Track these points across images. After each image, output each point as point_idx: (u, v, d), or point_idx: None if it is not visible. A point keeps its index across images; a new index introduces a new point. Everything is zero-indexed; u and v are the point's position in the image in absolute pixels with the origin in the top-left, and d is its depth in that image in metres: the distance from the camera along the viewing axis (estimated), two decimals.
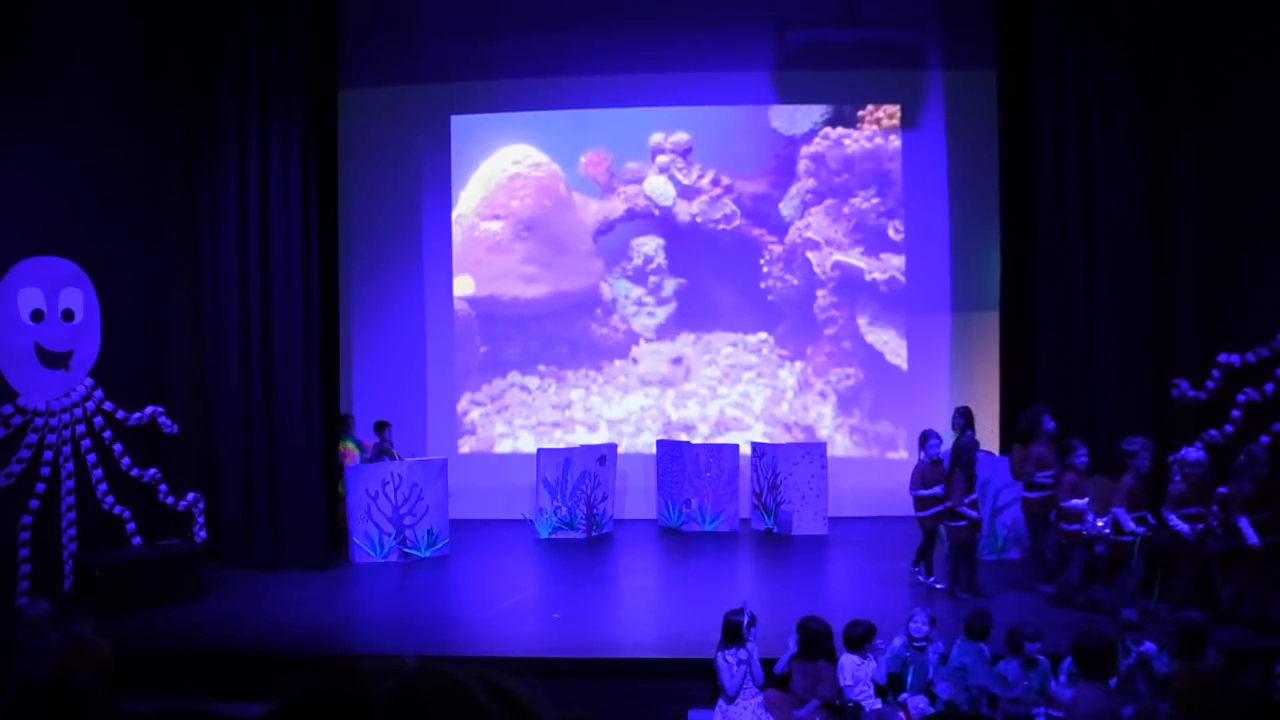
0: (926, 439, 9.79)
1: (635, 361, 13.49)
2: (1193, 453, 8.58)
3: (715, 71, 13.01)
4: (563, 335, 13.56)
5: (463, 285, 13.52)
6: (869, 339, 13.30)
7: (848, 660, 6.90)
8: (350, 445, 11.82)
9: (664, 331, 13.48)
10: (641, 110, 13.30)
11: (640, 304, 13.53)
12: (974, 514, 9.29)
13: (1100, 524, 8.59)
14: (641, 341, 13.47)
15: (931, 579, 9.56)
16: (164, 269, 10.85)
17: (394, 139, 13.33)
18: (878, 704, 6.80)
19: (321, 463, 11.06)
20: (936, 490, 9.50)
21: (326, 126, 11.74)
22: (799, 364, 13.38)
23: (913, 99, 13.15)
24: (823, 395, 13.35)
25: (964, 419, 11.50)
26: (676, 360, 13.47)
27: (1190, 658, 6.36)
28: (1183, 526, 8.24)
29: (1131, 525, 8.47)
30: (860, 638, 6.96)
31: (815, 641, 6.81)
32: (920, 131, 13.16)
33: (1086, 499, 8.77)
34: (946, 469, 9.51)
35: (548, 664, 7.89)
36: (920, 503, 9.69)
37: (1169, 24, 10.30)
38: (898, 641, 7.08)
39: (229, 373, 10.81)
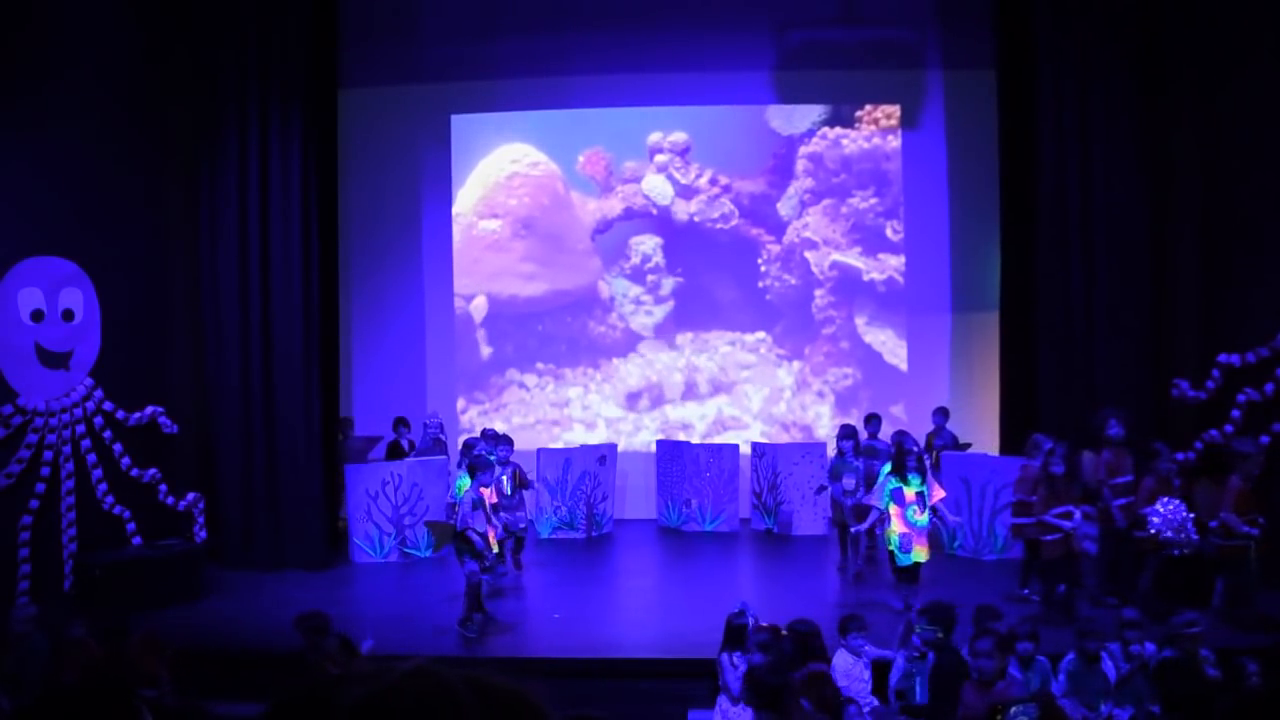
0: (1038, 445, 9.02)
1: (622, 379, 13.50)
2: None
3: (714, 71, 13.01)
4: (561, 334, 13.57)
5: (462, 284, 13.53)
6: (867, 339, 13.30)
7: (840, 659, 6.86)
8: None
9: (662, 331, 13.50)
10: (640, 110, 13.31)
11: (638, 302, 13.53)
12: (1067, 524, 8.53)
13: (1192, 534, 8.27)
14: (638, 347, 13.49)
15: (1026, 590, 9.07)
16: (164, 269, 10.84)
17: (394, 139, 13.34)
18: (874, 702, 6.79)
19: (321, 463, 11.06)
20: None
21: (326, 126, 11.74)
22: (797, 363, 13.39)
23: (912, 99, 13.16)
24: (820, 395, 13.35)
25: (943, 417, 11.61)
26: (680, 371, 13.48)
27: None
28: None
29: (1244, 528, 8.21)
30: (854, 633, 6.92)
31: (805, 642, 6.78)
32: (920, 131, 13.16)
33: (1167, 509, 8.36)
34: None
35: (548, 664, 7.89)
36: (1023, 509, 9.01)
37: (1168, 23, 10.29)
38: (900, 658, 6.91)
39: (229, 373, 10.82)
